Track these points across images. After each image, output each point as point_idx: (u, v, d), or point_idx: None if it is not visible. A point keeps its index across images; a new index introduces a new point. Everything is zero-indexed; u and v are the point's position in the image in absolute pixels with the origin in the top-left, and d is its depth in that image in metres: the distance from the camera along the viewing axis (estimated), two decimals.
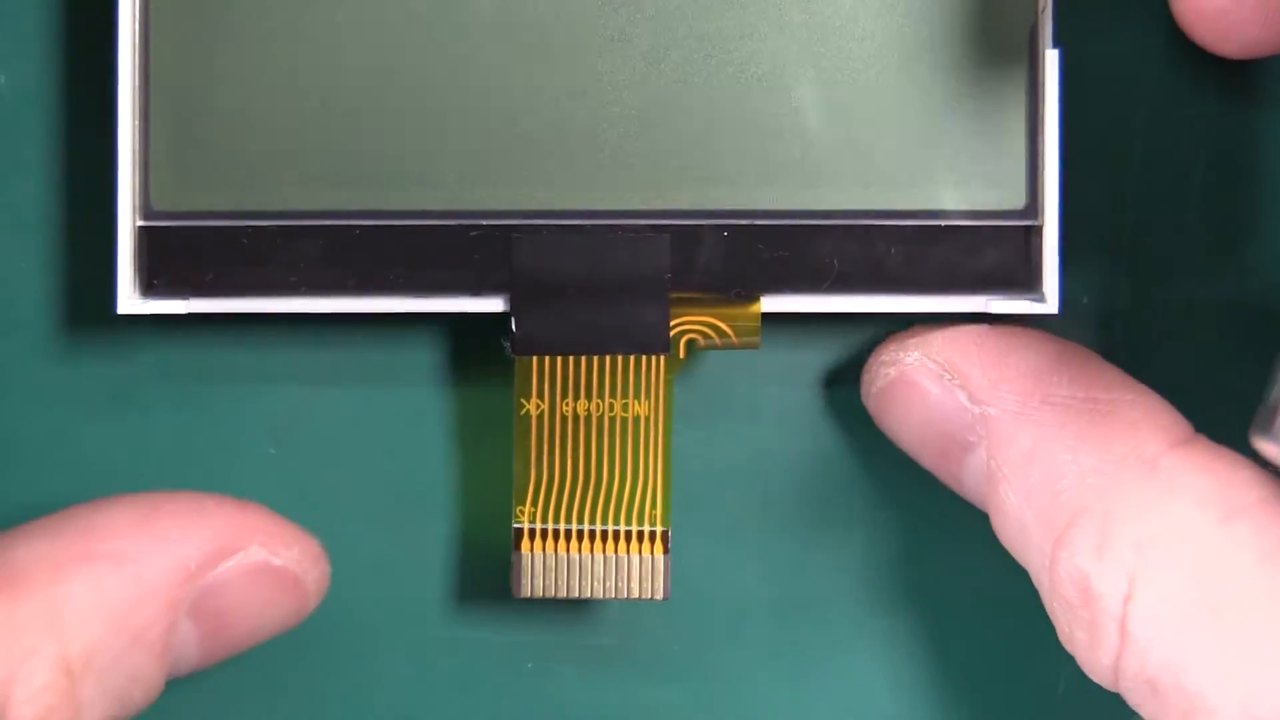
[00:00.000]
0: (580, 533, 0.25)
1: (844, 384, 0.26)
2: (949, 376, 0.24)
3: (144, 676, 0.23)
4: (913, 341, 0.25)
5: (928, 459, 0.25)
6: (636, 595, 0.25)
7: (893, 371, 0.25)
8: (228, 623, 0.24)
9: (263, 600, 0.24)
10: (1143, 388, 0.24)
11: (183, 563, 0.23)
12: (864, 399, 0.25)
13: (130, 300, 0.24)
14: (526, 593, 0.25)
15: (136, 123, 0.24)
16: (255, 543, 0.24)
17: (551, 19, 0.25)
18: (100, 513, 0.24)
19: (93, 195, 0.26)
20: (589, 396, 0.25)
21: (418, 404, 0.26)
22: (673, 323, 0.25)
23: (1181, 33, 0.25)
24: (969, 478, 0.24)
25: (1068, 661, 0.23)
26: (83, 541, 0.23)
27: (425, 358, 0.26)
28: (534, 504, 0.25)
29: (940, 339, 0.24)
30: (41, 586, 0.22)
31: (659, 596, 0.25)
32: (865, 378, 0.25)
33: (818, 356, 0.26)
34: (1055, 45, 0.24)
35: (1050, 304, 0.24)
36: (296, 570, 0.24)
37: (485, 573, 0.26)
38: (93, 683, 0.23)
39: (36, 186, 0.26)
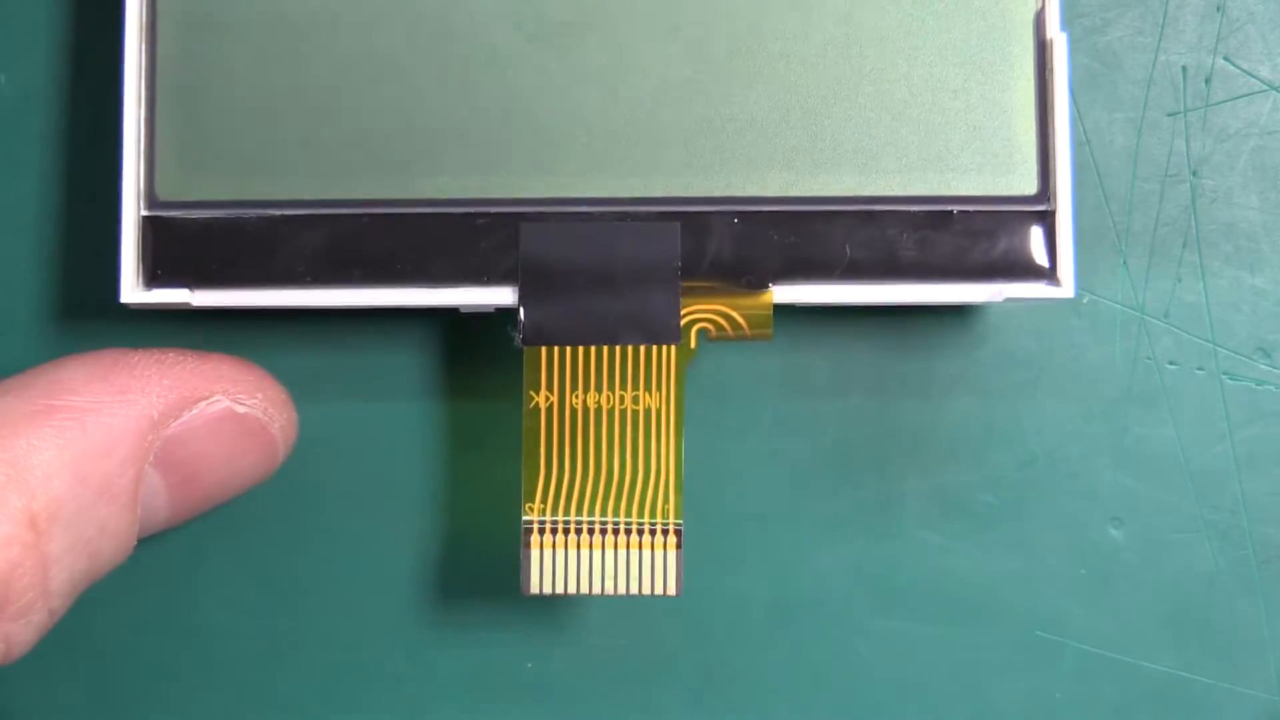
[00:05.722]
0: (590, 528, 0.25)
1: (855, 381, 0.26)
2: None
3: (113, 529, 0.23)
4: None
5: None
6: (648, 592, 0.24)
7: None
8: (196, 472, 0.24)
9: (230, 449, 0.24)
10: None
11: (145, 412, 0.23)
12: None
13: (134, 290, 0.24)
14: (536, 590, 0.25)
15: (141, 113, 0.24)
16: (218, 391, 0.24)
17: (558, 5, 0.24)
18: (61, 369, 0.23)
19: (93, 189, 0.26)
20: (599, 389, 0.25)
21: (422, 400, 0.26)
22: (683, 312, 0.24)
23: None
24: None
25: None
26: (45, 397, 0.23)
27: (431, 352, 0.26)
28: (543, 500, 0.25)
29: None
30: (3, 442, 0.22)
31: (671, 593, 0.24)
32: None
33: (830, 351, 0.26)
34: (1063, 28, 0.24)
35: (1066, 288, 0.24)
36: (262, 418, 0.24)
37: (486, 571, 0.26)
38: (59, 536, 0.22)
39: (37, 184, 0.26)
